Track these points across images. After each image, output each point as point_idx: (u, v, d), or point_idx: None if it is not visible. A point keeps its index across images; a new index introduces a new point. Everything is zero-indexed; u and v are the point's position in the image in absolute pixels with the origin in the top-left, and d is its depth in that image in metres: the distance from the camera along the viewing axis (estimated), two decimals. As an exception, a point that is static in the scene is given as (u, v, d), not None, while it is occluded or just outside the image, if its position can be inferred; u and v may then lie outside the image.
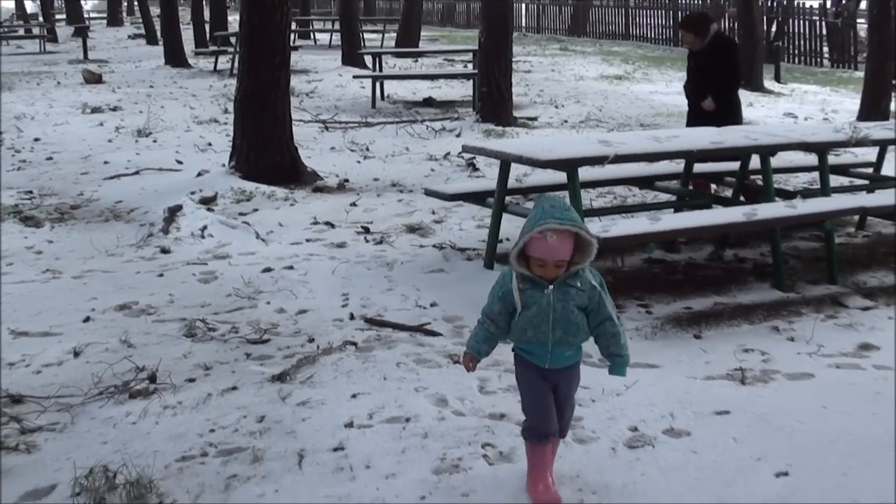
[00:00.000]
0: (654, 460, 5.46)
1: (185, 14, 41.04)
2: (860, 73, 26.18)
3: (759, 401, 6.32)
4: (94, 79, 26.33)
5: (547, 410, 4.93)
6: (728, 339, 7.72)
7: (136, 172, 13.86)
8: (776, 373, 6.95)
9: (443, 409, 6.08)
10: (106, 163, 14.77)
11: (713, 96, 12.22)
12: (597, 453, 5.56)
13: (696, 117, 12.61)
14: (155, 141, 16.85)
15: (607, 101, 23.26)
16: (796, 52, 36.20)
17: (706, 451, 5.58)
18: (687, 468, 5.35)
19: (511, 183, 9.84)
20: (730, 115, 12.16)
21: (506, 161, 9.16)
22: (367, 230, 10.93)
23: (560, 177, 9.39)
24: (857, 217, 11.88)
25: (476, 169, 14.63)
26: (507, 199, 9.65)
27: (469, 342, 5.06)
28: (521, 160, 8.93)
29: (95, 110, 20.41)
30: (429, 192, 10.40)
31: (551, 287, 4.70)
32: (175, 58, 32.10)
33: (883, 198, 10.23)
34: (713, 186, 12.26)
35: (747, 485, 5.14)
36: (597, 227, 8.02)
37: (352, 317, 7.87)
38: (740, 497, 5.01)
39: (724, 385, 6.67)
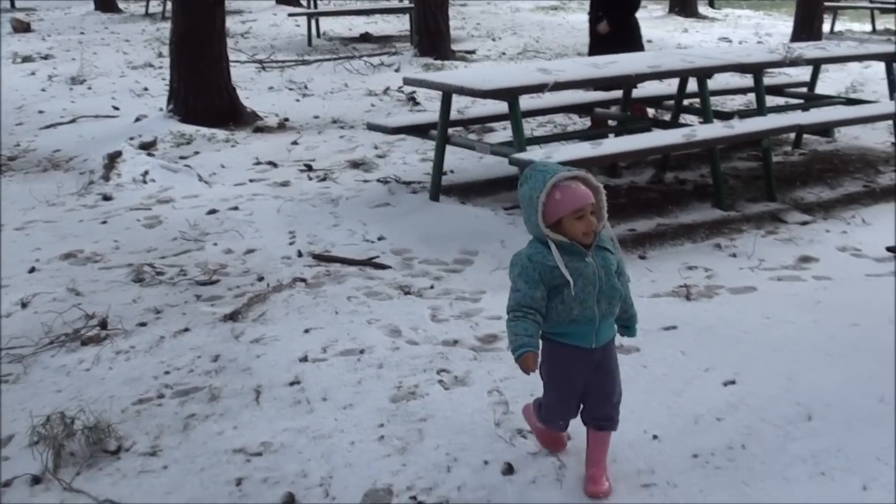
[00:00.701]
0: (605, 377, 5.57)
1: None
2: (792, -5, 26.37)
3: (704, 315, 6.46)
4: (22, 27, 25.92)
5: (573, 402, 4.45)
6: (672, 258, 7.85)
7: (73, 120, 13.71)
8: (720, 288, 7.09)
9: (396, 339, 6.16)
10: (41, 112, 14.55)
11: (608, 20, 12.33)
12: (549, 374, 5.66)
13: (593, 42, 12.73)
14: (90, 88, 16.65)
15: (544, 32, 23.31)
16: (729, -26, 36.30)
17: (656, 364, 5.72)
18: (637, 381, 5.47)
19: (453, 115, 9.88)
20: (625, 38, 12.27)
21: (447, 92, 9.19)
22: (310, 168, 10.93)
23: (501, 107, 9.45)
24: (793, 135, 12.06)
25: (417, 103, 14.65)
26: (450, 130, 9.69)
27: (519, 341, 4.17)
28: (463, 91, 8.97)
29: (26, 59, 20.06)
30: (371, 126, 10.41)
31: (591, 254, 4.16)
32: (105, 3, 31.64)
33: (817, 115, 10.41)
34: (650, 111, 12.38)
35: (696, 394, 5.27)
36: (539, 155, 8.09)
37: (300, 254, 7.91)
38: (690, 406, 5.14)
39: (670, 302, 6.81)
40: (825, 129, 11.93)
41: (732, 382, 5.44)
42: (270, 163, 11.23)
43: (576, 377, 4.35)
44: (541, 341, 4.27)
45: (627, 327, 4.57)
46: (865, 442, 4.83)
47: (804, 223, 8.87)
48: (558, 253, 4.09)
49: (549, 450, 4.75)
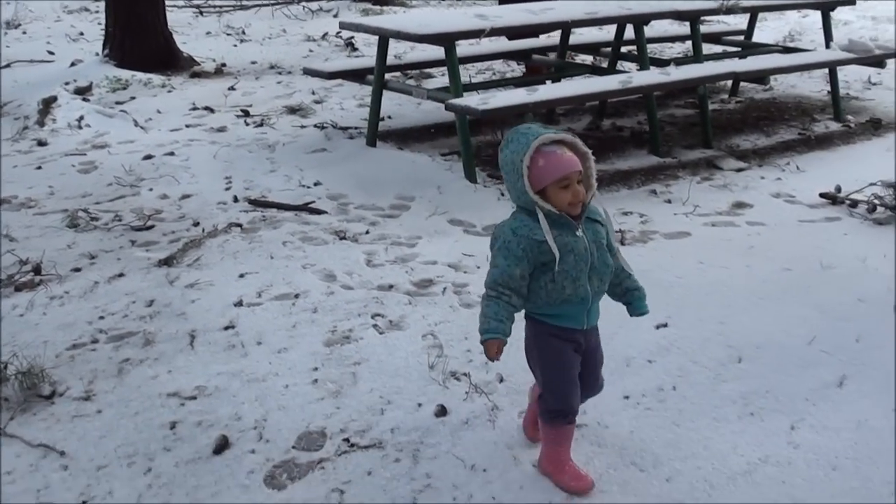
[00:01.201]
0: (538, 321, 5.62)
1: None
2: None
3: (638, 259, 6.48)
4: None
5: (576, 387, 4.02)
6: (608, 204, 7.71)
7: (7, 65, 13.50)
8: (655, 233, 7.16)
9: (331, 283, 6.17)
10: (-27, 57, 14.39)
11: None
12: (483, 318, 5.69)
13: None
14: (24, 33, 16.44)
15: (484, -23, 23.18)
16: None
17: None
18: (569, 326, 5.52)
19: (391, 60, 9.86)
20: None
21: (383, 37, 9.15)
22: (246, 113, 10.87)
23: (439, 52, 9.41)
24: (730, 83, 12.15)
25: (355, 49, 14.60)
26: (387, 76, 9.64)
27: (486, 325, 3.82)
28: (399, 35, 8.93)
29: (-42, 4, 19.79)
30: (307, 71, 10.35)
31: (580, 227, 3.76)
32: (40, -53, 31.10)
33: (754, 63, 10.44)
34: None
35: (628, 337, 5.32)
36: (476, 101, 8.10)
37: (235, 199, 7.87)
38: (622, 349, 5.20)
39: (604, 247, 6.84)
40: (761, 77, 12.06)
41: (665, 325, 5.51)
42: (207, 108, 11.16)
43: (571, 360, 3.95)
44: (530, 322, 4.03)
45: (631, 303, 4.08)
46: (794, 383, 4.92)
47: (739, 170, 8.95)
48: (547, 224, 3.69)
49: (576, 491, 4.06)
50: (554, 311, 3.87)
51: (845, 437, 4.45)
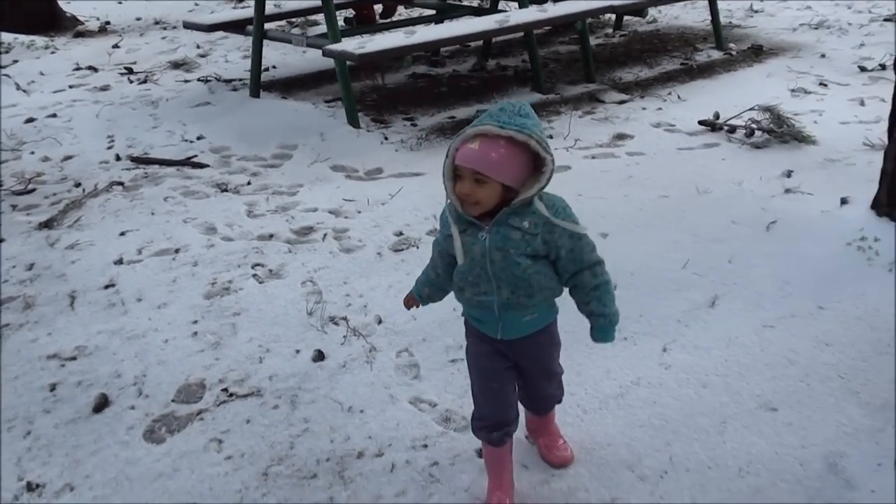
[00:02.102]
0: (419, 260, 5.66)
1: None
2: None
3: (518, 196, 6.56)
4: None
5: (497, 396, 3.57)
6: (492, 142, 7.92)
7: None
8: (536, 169, 7.19)
9: (212, 236, 6.15)
10: None
11: None
12: (363, 260, 5.74)
13: None
14: None
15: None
16: None
17: (467, 246, 5.81)
18: (447, 264, 5.58)
19: (271, 10, 9.80)
20: None
21: (260, -15, 9.09)
22: (130, 71, 10.76)
23: (317, 0, 9.37)
24: (614, 18, 12.23)
25: (241, 0, 14.45)
26: (268, 25, 9.58)
27: (415, 281, 3.79)
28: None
29: None
30: (187, 25, 10.24)
31: (486, 230, 3.25)
32: None
33: (632, -5, 10.51)
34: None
35: (504, 273, 5.38)
36: (353, 45, 8.08)
37: (118, 158, 7.80)
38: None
39: (485, 185, 6.88)
40: (640, 10, 12.11)
41: (541, 257, 5.57)
42: (91, 68, 11.02)
43: (487, 367, 3.54)
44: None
45: (592, 327, 3.51)
46: (667, 306, 5.02)
47: (621, 102, 9.04)
48: (454, 218, 3.31)
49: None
50: (468, 312, 3.55)
51: (716, 355, 4.56)
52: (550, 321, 3.54)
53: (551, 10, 9.34)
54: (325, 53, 8.15)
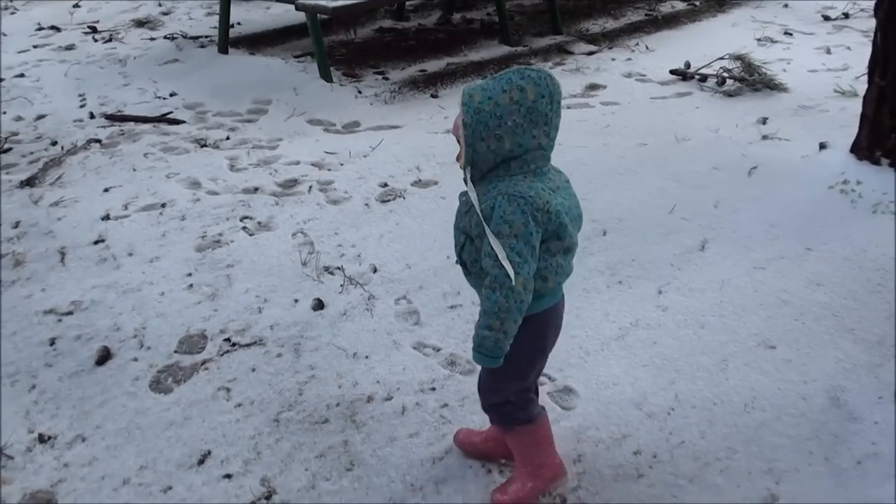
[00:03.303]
0: (407, 210, 5.72)
1: None
2: None
3: (498, 147, 6.61)
4: None
5: None
6: (464, 95, 7.96)
7: None
8: (512, 120, 7.24)
9: (196, 191, 6.15)
10: None
11: None
12: (351, 211, 5.77)
13: None
14: None
15: None
16: None
17: (454, 195, 5.77)
18: (438, 212, 5.63)
19: (235, -34, 9.75)
20: None
21: (227, -58, 9.03)
22: (94, 30, 10.65)
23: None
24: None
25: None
26: (234, -19, 9.55)
27: None
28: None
29: None
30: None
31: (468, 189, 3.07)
32: None
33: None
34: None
35: (495, 221, 5.44)
36: (326, -1, 8.08)
37: (92, 116, 7.76)
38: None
39: (464, 136, 6.93)
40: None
41: (527, 205, 5.63)
42: (53, 27, 10.90)
43: None
44: None
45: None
46: (658, 251, 5.09)
47: (590, 53, 9.09)
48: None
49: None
50: None
51: (710, 296, 4.65)
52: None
53: (520, -37, 9.36)
54: (299, 7, 8.13)
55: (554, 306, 3.14)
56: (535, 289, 2.98)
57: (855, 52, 8.60)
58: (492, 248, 2.87)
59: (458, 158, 3.06)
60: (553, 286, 3.05)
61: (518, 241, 2.85)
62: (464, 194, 3.11)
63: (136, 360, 4.40)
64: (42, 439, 3.91)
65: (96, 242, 5.54)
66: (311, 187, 6.12)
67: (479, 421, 3.83)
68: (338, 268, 5.09)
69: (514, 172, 2.91)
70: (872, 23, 9.23)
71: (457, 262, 3.20)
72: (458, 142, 3.01)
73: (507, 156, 2.90)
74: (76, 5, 11.92)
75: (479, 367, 3.36)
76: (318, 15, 8.14)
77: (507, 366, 3.06)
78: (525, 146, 2.88)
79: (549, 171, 2.99)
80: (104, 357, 4.43)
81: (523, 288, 2.88)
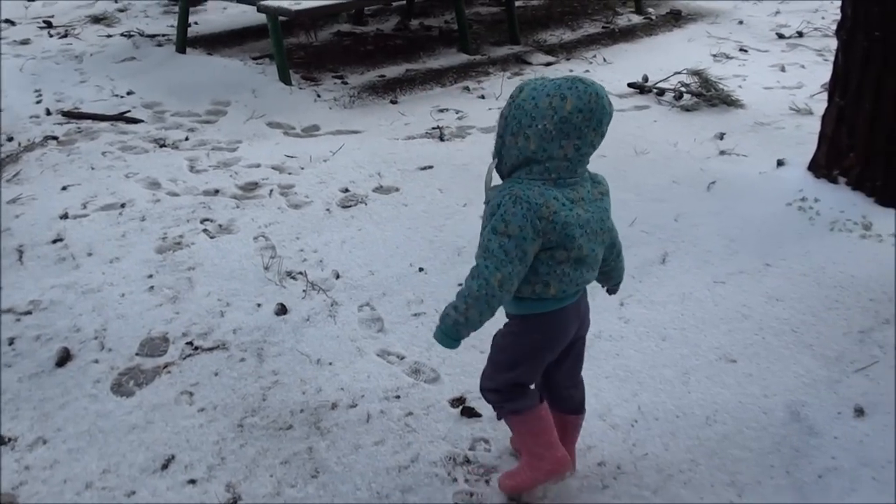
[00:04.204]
0: (368, 216, 5.73)
1: None
2: None
3: (458, 154, 6.64)
4: None
5: None
6: (423, 102, 8.00)
7: None
8: (471, 128, 7.29)
9: (156, 191, 6.12)
10: None
11: None
12: (312, 216, 5.77)
13: None
14: None
15: None
16: None
17: (416, 202, 5.89)
18: (400, 219, 5.64)
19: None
20: None
21: (187, -58, 8.99)
22: (49, 25, 10.58)
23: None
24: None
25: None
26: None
27: None
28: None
29: None
30: (110, -20, 10.12)
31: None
32: None
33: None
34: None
35: (457, 228, 5.47)
36: (288, 1, 8.05)
37: (48, 112, 7.69)
38: (452, 239, 5.33)
39: (424, 143, 6.97)
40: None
41: (491, 214, 5.65)
42: (7, 21, 10.81)
43: None
44: None
45: None
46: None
47: (548, 64, 9.15)
48: None
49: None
50: None
51: (671, 309, 4.69)
52: (511, 311, 3.26)
53: (481, -29, 9.40)
54: (260, 9, 8.11)
55: (555, 312, 3.14)
56: (537, 293, 3.04)
57: (809, 71, 8.70)
58: (484, 240, 2.96)
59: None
60: (556, 293, 3.07)
61: (509, 241, 2.89)
62: (489, 194, 3.09)
63: (96, 361, 4.36)
64: (2, 441, 3.87)
65: (55, 241, 5.49)
66: (271, 191, 6.11)
67: (444, 429, 3.85)
68: (300, 273, 5.09)
69: (534, 176, 2.93)
70: (826, 41, 9.47)
71: None
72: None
73: (530, 157, 2.92)
74: (31, -1, 11.85)
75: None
76: (279, 17, 8.13)
77: (500, 356, 3.25)
78: (549, 153, 2.90)
79: (576, 183, 2.99)
80: (64, 358, 4.39)
81: (498, 285, 2.93)
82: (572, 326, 3.27)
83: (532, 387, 3.39)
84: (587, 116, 2.87)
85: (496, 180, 3.06)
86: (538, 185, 2.91)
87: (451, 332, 3.04)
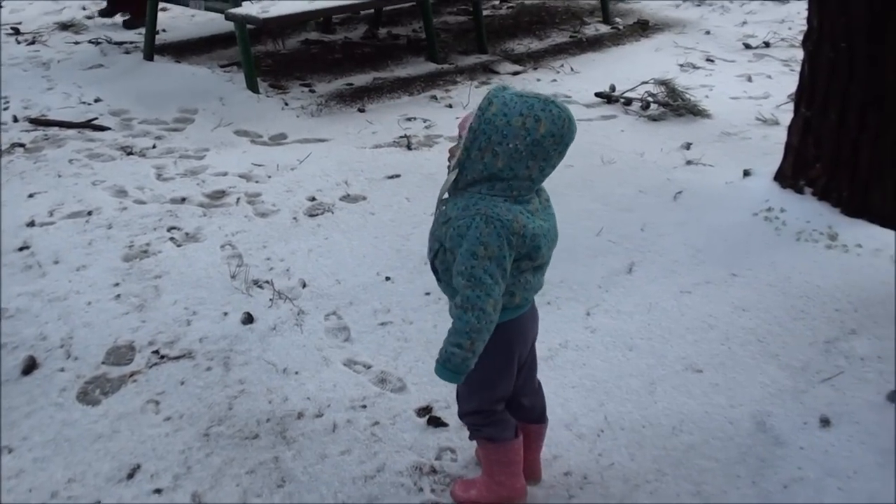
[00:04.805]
0: (335, 225, 5.73)
1: None
2: None
3: (426, 163, 6.65)
4: None
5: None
6: (391, 111, 8.00)
7: None
8: (439, 137, 7.30)
9: (123, 199, 6.10)
10: None
11: None
12: (279, 224, 5.76)
13: None
14: None
15: None
16: None
17: (382, 211, 5.89)
18: (367, 228, 5.65)
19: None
20: None
21: (156, -51, 8.97)
22: (17, 31, 10.53)
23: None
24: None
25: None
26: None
27: None
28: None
29: None
30: (78, -14, 10.06)
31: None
32: None
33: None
34: None
35: (421, 236, 5.29)
36: (256, 9, 8.05)
37: (15, 119, 7.64)
38: (419, 248, 5.32)
39: (392, 152, 6.97)
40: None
41: (456, 223, 5.66)
42: (-27, 28, 10.76)
43: None
44: None
45: None
46: (586, 272, 5.15)
47: (516, 73, 9.17)
48: None
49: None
50: None
51: (638, 319, 4.71)
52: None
53: (450, -20, 9.41)
54: (228, 17, 8.09)
55: (518, 318, 3.17)
56: (503, 304, 3.03)
57: (775, 81, 8.75)
58: (465, 267, 2.90)
59: (450, 157, 3.07)
60: (520, 301, 3.11)
61: (491, 264, 2.89)
62: (443, 203, 3.08)
63: (62, 370, 4.35)
64: (-34, 449, 3.86)
65: (21, 249, 5.46)
66: (238, 199, 6.10)
67: (410, 438, 3.86)
68: (267, 282, 5.08)
69: (496, 193, 2.92)
70: (793, 52, 9.53)
71: (426, 264, 3.27)
72: (459, 138, 3.02)
73: (494, 174, 2.91)
74: (-2, 5, 11.79)
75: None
76: (247, 25, 8.12)
77: (477, 375, 3.13)
78: (515, 172, 2.89)
79: (532, 198, 3.01)
80: (30, 366, 4.37)
81: (493, 309, 2.95)
82: (531, 331, 3.32)
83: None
84: (557, 140, 2.88)
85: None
86: (501, 202, 2.92)
87: (460, 368, 3.03)
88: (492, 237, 2.87)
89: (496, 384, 3.28)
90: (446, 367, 3.03)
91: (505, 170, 2.89)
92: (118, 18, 10.94)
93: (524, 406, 3.49)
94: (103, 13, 11.09)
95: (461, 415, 3.42)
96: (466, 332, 2.96)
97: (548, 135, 2.85)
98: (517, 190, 2.93)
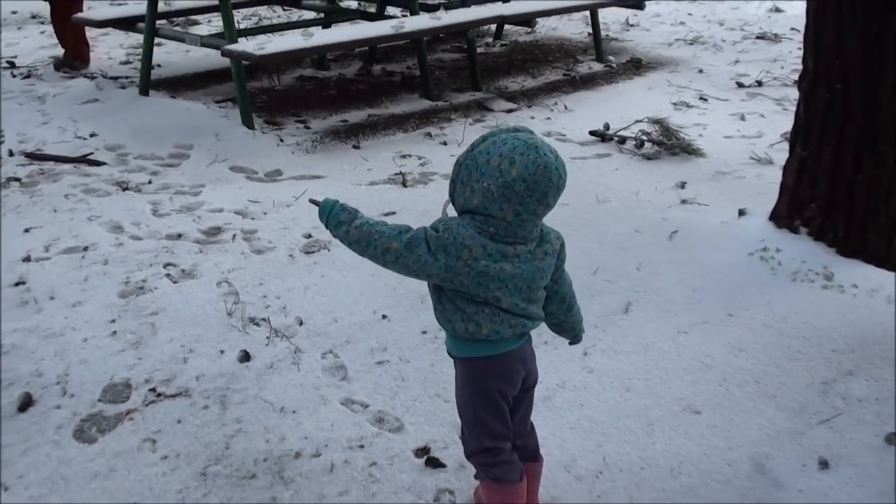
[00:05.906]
0: (332, 262, 5.73)
1: None
2: None
3: (421, 200, 6.66)
4: None
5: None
6: (386, 148, 8.02)
7: None
8: (434, 174, 7.31)
9: (119, 235, 6.10)
10: None
11: None
12: (276, 261, 5.76)
13: None
14: None
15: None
16: None
17: (380, 250, 5.88)
18: (363, 266, 5.54)
19: (161, 7, 9.71)
20: None
21: (153, -15, 8.99)
22: (12, 65, 10.55)
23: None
24: (494, 27, 12.40)
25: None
26: (158, 23, 9.47)
27: None
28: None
29: None
30: (77, 20, 10.00)
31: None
32: None
33: (519, 6, 10.59)
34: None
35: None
36: (252, 46, 8.07)
37: (11, 153, 7.65)
38: (416, 286, 5.27)
39: (387, 188, 6.98)
40: (527, 20, 12.32)
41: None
42: (-33, 62, 10.78)
43: None
44: None
45: None
46: (582, 312, 5.12)
47: (510, 111, 9.19)
48: None
49: None
50: None
51: (635, 359, 4.71)
52: (453, 353, 3.29)
53: (444, 18, 9.43)
54: (224, 53, 8.12)
55: (497, 357, 3.16)
56: (469, 331, 3.07)
57: (769, 120, 8.80)
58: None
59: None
60: (489, 333, 3.08)
61: (440, 226, 2.99)
62: None
63: (59, 407, 4.33)
64: (-38, 487, 3.84)
65: (17, 284, 5.45)
66: (234, 236, 6.10)
67: (408, 479, 3.85)
68: (263, 319, 5.08)
69: (477, 223, 2.96)
70: (785, 91, 9.59)
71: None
72: None
73: (473, 209, 2.95)
74: (-7, 40, 11.81)
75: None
76: (243, 62, 8.14)
77: (466, 412, 3.25)
78: (490, 211, 2.92)
79: (517, 243, 3.02)
80: (26, 403, 4.35)
81: (400, 245, 3.00)
82: (518, 375, 3.26)
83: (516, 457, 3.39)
84: (530, 187, 2.87)
85: (451, 212, 3.09)
86: (475, 234, 2.95)
87: (333, 224, 3.17)
88: (454, 223, 2.98)
89: (487, 421, 3.25)
90: (332, 212, 3.18)
91: (480, 207, 2.93)
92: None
93: (517, 447, 3.47)
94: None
95: (468, 455, 3.40)
96: (366, 233, 3.04)
97: (519, 179, 2.85)
98: (493, 227, 2.95)
